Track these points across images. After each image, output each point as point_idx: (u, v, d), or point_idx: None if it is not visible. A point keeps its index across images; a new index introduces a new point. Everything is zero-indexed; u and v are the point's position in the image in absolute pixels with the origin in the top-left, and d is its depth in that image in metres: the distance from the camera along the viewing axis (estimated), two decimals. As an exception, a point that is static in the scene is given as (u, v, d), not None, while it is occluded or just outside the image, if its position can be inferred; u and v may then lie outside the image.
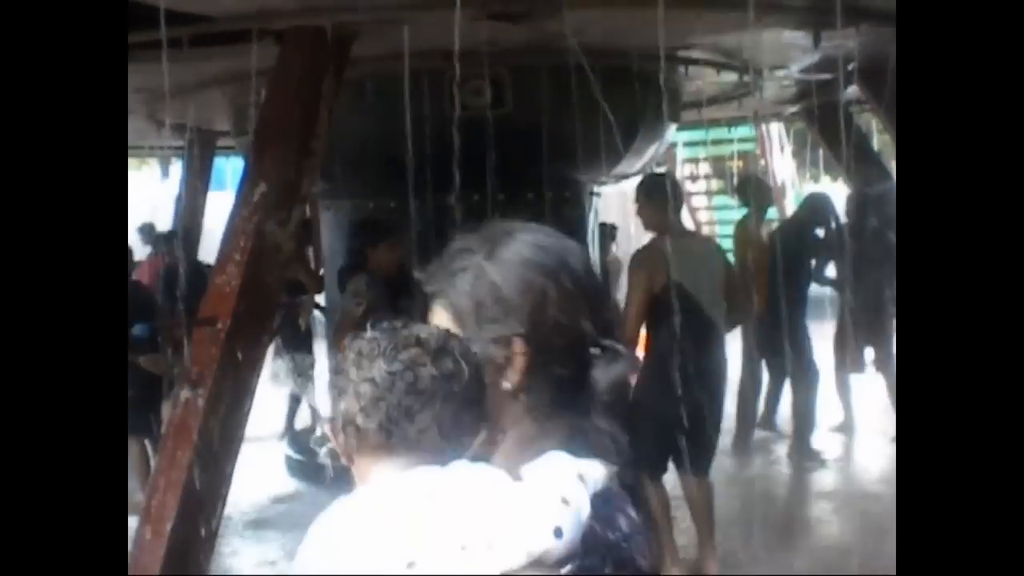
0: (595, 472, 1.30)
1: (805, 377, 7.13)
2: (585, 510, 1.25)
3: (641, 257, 5.20)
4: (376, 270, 5.82)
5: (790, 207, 16.11)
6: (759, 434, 7.68)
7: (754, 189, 7.71)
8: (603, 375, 1.47)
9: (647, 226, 5.48)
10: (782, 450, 7.53)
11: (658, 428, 4.71)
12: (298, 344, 7.97)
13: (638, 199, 5.51)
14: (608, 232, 9.49)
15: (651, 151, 7.19)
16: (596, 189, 7.27)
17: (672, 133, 7.73)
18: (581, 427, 1.44)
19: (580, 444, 1.38)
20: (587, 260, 1.57)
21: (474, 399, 1.37)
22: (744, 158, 16.42)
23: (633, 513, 1.38)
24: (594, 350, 1.47)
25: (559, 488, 1.25)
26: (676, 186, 5.78)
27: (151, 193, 10.89)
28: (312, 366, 7.89)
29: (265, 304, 4.20)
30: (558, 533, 1.20)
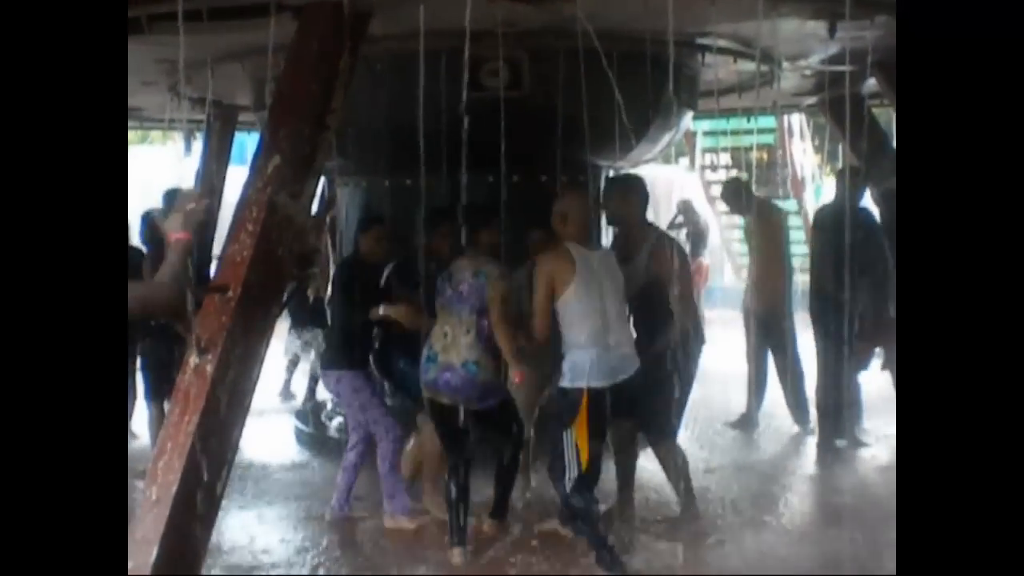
0: None
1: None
2: None
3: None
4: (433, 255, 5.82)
5: (810, 200, 16.10)
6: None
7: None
8: None
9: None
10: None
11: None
12: (312, 319, 8.05)
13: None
14: None
15: (667, 138, 7.21)
16: (613, 174, 7.29)
17: (689, 121, 7.72)
18: None
19: None
20: None
21: None
22: (766, 150, 16.40)
23: None
24: None
25: None
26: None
27: (175, 166, 10.91)
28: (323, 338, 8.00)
29: (275, 275, 4.24)
30: None
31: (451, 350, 5.21)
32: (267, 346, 4.21)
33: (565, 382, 4.96)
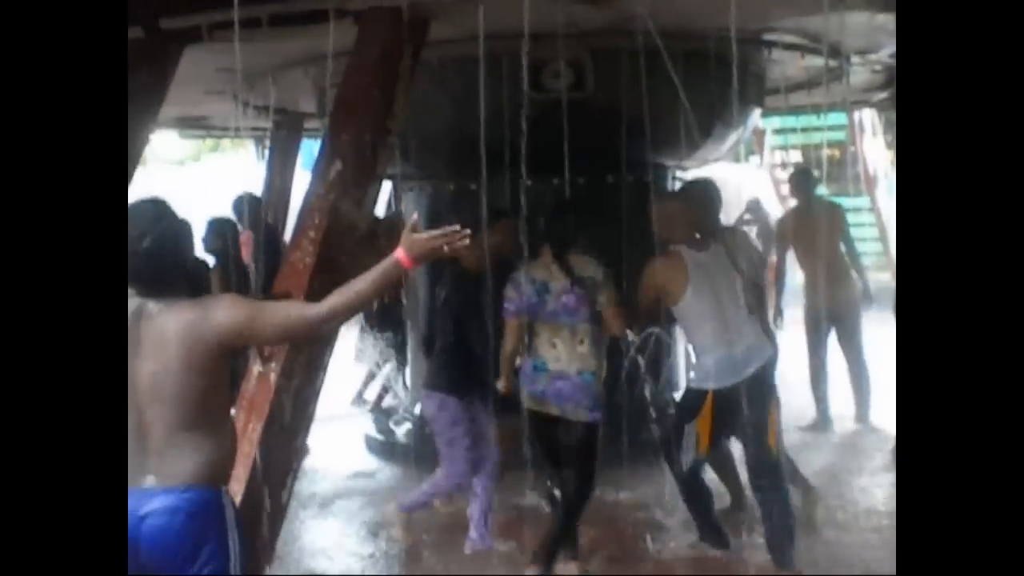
0: None
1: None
2: None
3: None
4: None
5: (883, 196, 15.81)
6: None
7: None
8: None
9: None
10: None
11: None
12: (385, 322, 8.02)
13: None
14: None
15: (734, 136, 7.10)
16: (680, 173, 7.20)
17: (757, 119, 7.60)
18: None
19: None
20: None
21: None
22: (837, 147, 16.16)
23: None
24: None
25: None
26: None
27: (247, 173, 11.03)
28: (400, 344, 7.99)
29: (339, 281, 4.22)
30: None
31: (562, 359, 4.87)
32: (331, 354, 4.21)
33: (692, 382, 5.05)
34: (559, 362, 4.84)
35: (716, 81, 5.85)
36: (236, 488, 3.71)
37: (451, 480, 5.33)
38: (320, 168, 4.25)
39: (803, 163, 11.07)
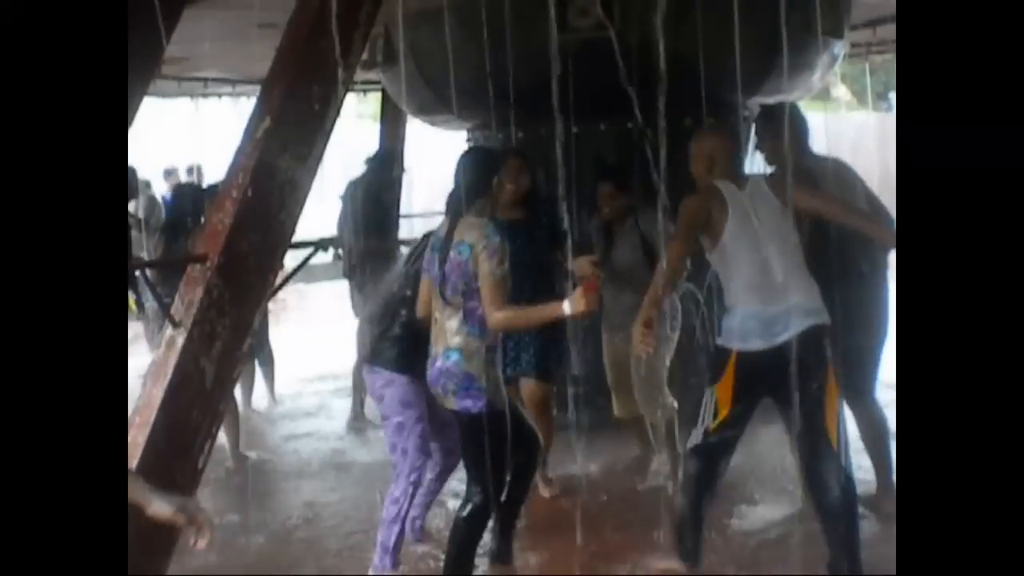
0: None
1: None
2: None
3: None
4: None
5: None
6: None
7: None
8: None
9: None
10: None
11: None
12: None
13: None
14: None
15: (808, 74, 6.50)
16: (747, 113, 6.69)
17: (840, 53, 6.90)
18: None
19: None
20: None
21: None
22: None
23: None
24: None
25: None
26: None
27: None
28: None
29: (273, 242, 4.11)
30: None
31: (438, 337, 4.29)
32: (260, 315, 4.11)
33: (718, 339, 4.39)
34: (435, 341, 4.25)
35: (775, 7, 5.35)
36: (134, 453, 3.69)
37: (403, 482, 4.61)
38: (249, 125, 4.11)
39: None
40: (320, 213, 7.74)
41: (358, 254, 7.39)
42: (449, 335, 4.14)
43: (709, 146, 4.54)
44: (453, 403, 4.13)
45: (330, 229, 7.85)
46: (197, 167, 11.67)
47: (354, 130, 13.26)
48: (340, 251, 7.70)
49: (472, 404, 4.09)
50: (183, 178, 11.68)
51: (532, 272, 5.13)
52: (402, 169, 8.88)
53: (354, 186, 7.67)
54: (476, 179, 4.25)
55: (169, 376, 3.74)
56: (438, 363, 4.15)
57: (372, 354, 4.73)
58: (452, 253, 4.12)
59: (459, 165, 4.34)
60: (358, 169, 7.82)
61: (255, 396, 7.88)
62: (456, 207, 4.25)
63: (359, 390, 7.33)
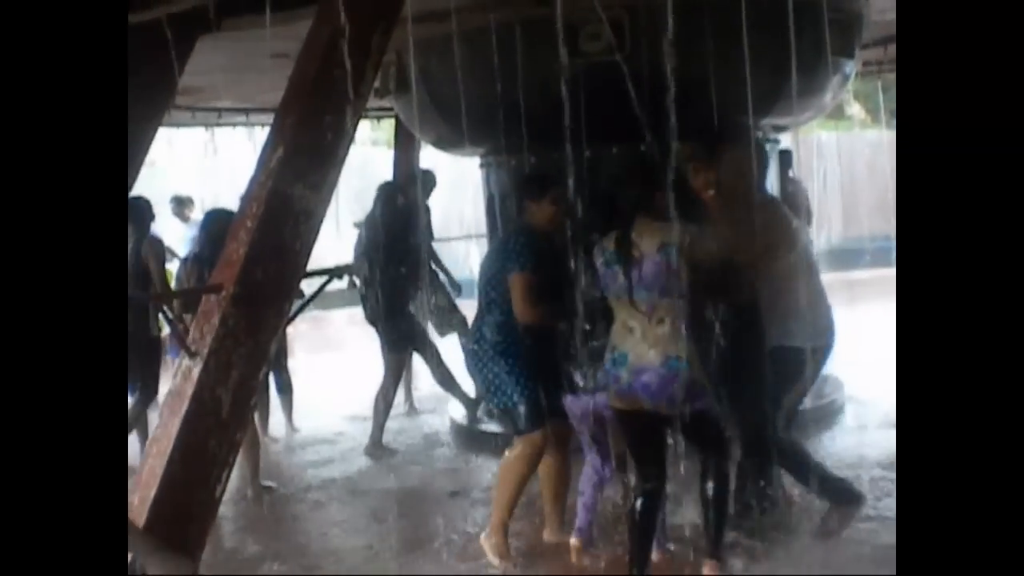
0: None
1: None
2: None
3: None
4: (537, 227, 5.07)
5: None
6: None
7: None
8: None
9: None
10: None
11: None
12: None
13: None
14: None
15: (820, 95, 6.49)
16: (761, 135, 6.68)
17: (851, 73, 6.89)
18: None
19: None
20: None
21: None
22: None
23: None
24: None
25: None
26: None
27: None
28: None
29: (289, 271, 4.14)
30: None
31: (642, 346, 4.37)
32: (276, 344, 4.12)
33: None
34: (639, 350, 4.33)
35: (784, 30, 5.35)
36: (152, 483, 3.71)
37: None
38: (263, 154, 4.14)
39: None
40: (335, 240, 7.80)
41: (377, 283, 7.40)
42: (665, 342, 4.28)
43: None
44: (679, 408, 4.26)
45: (345, 256, 7.89)
46: (187, 198, 11.53)
47: (369, 156, 13.33)
48: (355, 278, 7.71)
49: (703, 404, 4.36)
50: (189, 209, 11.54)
51: None
52: (433, 183, 8.69)
53: (372, 215, 7.70)
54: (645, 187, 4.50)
55: (186, 406, 3.77)
56: (657, 371, 4.26)
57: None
58: (657, 257, 4.27)
59: (627, 176, 4.70)
60: (371, 196, 7.84)
61: (273, 424, 7.88)
62: (620, 218, 4.43)
63: (380, 416, 7.35)
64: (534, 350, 4.90)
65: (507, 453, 5.00)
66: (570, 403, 4.81)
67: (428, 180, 8.41)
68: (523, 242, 4.91)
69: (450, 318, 8.22)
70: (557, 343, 4.94)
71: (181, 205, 11.35)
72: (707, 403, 4.41)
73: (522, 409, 4.85)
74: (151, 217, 6.93)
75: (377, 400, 7.33)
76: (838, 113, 16.65)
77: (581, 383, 4.77)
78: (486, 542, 5.00)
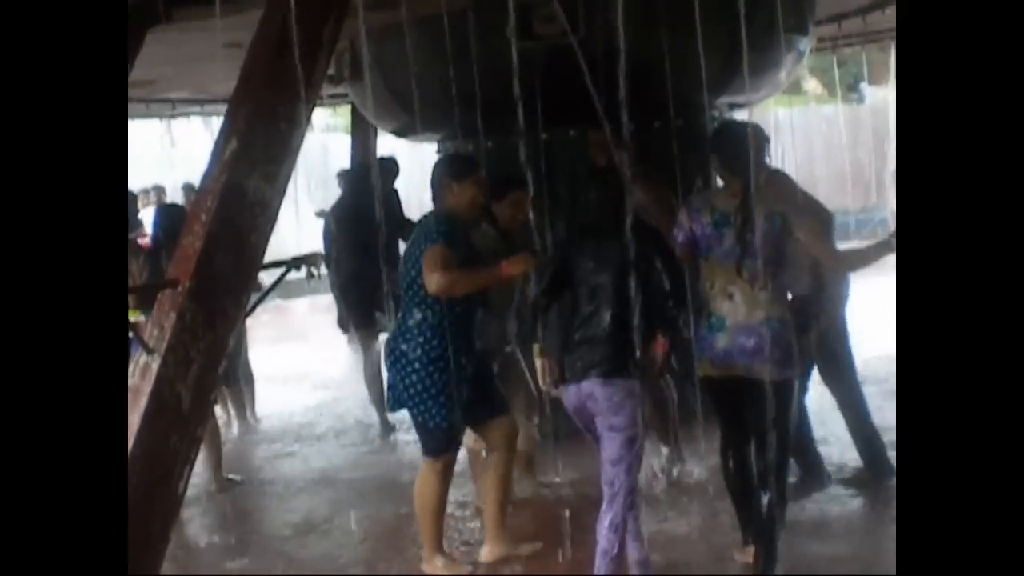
0: None
1: None
2: None
3: None
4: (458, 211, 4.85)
5: None
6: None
7: None
8: None
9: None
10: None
11: None
12: None
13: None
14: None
15: (775, 72, 6.51)
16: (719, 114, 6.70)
17: (806, 50, 6.90)
18: None
19: None
20: None
21: None
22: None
23: None
24: None
25: None
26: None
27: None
28: None
29: (245, 263, 4.10)
30: None
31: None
32: (235, 338, 4.09)
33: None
34: (738, 315, 4.26)
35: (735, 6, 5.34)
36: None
37: (620, 506, 4.21)
38: (216, 147, 4.09)
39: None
40: (295, 229, 7.76)
41: (347, 271, 7.38)
42: (767, 306, 4.23)
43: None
44: (769, 373, 4.11)
45: (305, 245, 7.84)
46: (159, 187, 11.48)
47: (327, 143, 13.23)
48: (314, 269, 7.66)
49: (790, 373, 4.25)
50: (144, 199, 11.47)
51: None
52: (397, 169, 8.42)
53: (338, 203, 7.68)
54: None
55: (145, 403, 3.71)
56: (757, 331, 4.19)
57: (590, 366, 4.23)
58: (766, 225, 4.20)
59: (752, 135, 4.57)
60: (331, 183, 7.83)
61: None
62: (744, 180, 4.27)
63: (376, 396, 7.35)
64: (459, 338, 4.60)
65: (418, 475, 4.85)
66: (566, 395, 4.33)
67: (392, 166, 8.36)
68: (442, 220, 4.68)
69: None
70: (477, 332, 4.86)
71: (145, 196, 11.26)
72: (794, 373, 4.29)
73: (431, 432, 4.67)
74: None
75: (368, 385, 7.41)
76: (796, 88, 16.74)
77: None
78: (430, 569, 4.82)
